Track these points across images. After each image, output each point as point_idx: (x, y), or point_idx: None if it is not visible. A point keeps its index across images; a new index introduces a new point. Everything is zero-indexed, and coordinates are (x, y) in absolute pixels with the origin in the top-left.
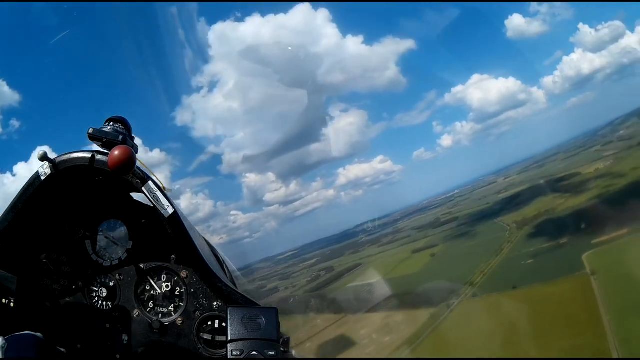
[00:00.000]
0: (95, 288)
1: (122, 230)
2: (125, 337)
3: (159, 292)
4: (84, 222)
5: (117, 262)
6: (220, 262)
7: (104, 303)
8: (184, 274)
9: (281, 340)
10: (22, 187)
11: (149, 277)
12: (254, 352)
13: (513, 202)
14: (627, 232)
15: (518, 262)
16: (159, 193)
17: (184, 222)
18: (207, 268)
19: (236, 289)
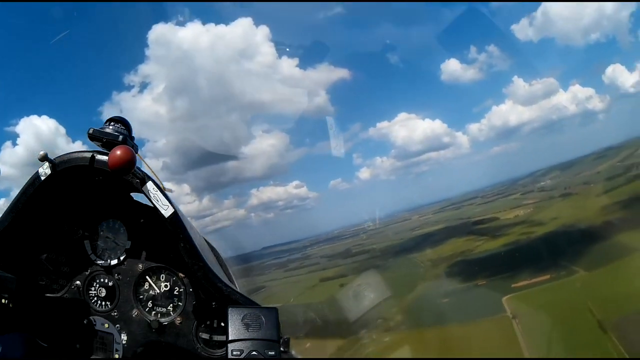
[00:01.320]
0: (94, 288)
1: (121, 230)
2: (124, 337)
3: (158, 291)
4: (83, 222)
5: (116, 262)
6: (220, 262)
7: (103, 303)
8: (182, 273)
9: (281, 340)
10: (22, 187)
11: (147, 277)
12: (254, 352)
13: (428, 240)
14: (549, 277)
15: (433, 301)
16: (158, 193)
17: (184, 222)
18: (207, 268)
19: (236, 289)
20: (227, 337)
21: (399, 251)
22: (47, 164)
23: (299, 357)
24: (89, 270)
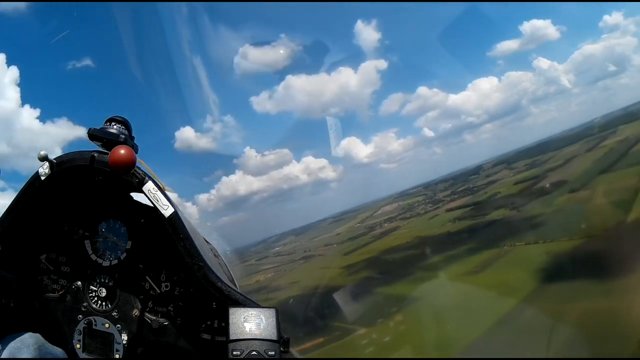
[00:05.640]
0: (94, 288)
1: (121, 230)
2: (124, 337)
3: (158, 292)
4: (83, 222)
5: (116, 262)
6: (220, 262)
7: (103, 303)
8: (183, 273)
9: (281, 340)
10: (22, 187)
11: (148, 277)
12: (254, 352)
13: None
14: (324, 340)
15: None
16: (158, 193)
17: (184, 222)
18: (207, 268)
19: (236, 289)
20: (227, 337)
21: None
22: (47, 163)
23: (299, 357)
24: (89, 271)
